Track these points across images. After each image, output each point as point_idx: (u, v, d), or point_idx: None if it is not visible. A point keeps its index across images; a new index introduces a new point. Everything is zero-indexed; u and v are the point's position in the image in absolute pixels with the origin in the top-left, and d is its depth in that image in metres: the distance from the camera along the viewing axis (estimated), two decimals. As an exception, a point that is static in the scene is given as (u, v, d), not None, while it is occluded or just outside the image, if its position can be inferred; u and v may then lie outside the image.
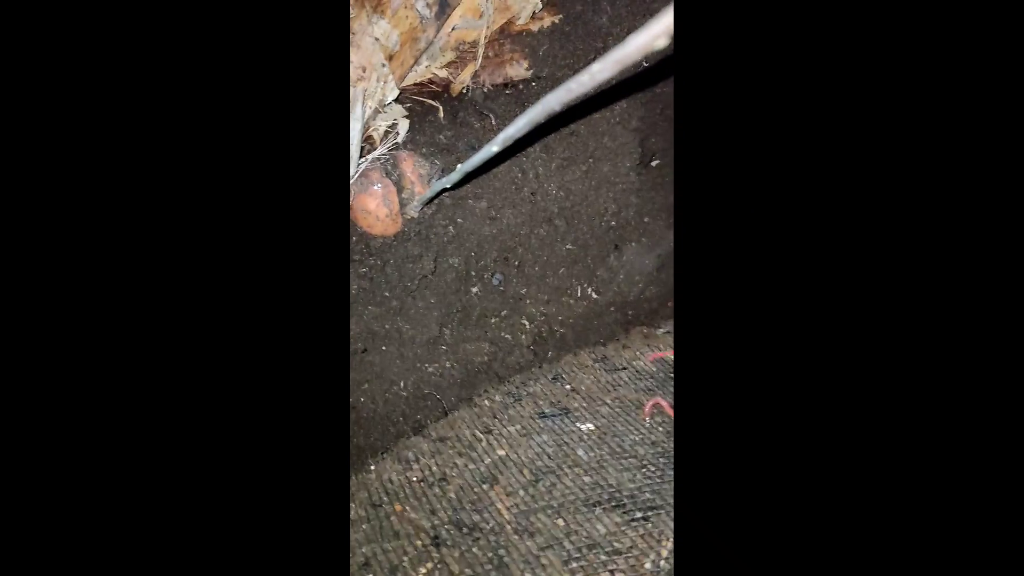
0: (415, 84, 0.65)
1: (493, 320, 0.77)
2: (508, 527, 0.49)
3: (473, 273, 0.75)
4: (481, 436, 0.59)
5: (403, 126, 0.63)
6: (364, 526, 0.52)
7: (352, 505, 0.55)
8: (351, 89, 0.58)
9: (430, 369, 0.73)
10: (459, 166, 0.48)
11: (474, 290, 0.76)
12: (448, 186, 0.53)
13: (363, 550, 0.50)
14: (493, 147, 0.40)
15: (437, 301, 0.73)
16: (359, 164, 0.62)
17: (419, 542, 0.49)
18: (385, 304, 0.71)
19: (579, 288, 0.81)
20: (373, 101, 0.59)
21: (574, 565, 0.44)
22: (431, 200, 0.63)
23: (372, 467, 0.61)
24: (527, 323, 0.78)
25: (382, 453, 0.64)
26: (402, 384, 0.71)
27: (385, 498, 0.55)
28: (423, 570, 0.47)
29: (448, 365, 0.74)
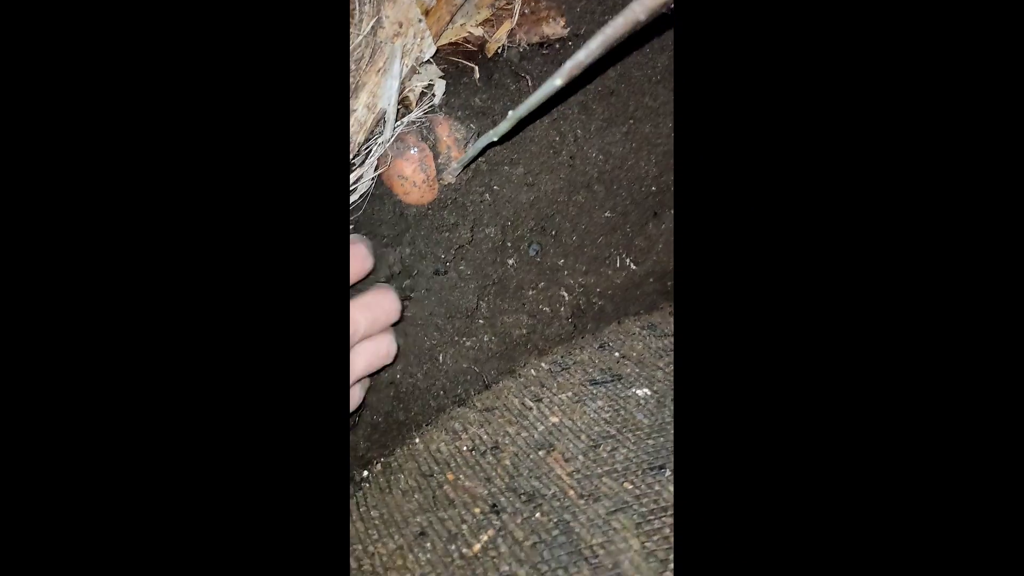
0: (449, 44, 0.63)
1: (530, 292, 0.74)
2: (571, 492, 0.46)
3: (509, 244, 0.73)
4: (531, 404, 0.57)
5: (439, 87, 0.61)
6: (416, 496, 0.50)
7: (401, 476, 0.53)
8: (388, 45, 0.55)
9: (468, 343, 0.71)
10: (510, 113, 0.45)
11: (510, 261, 0.74)
12: (495, 139, 0.51)
13: (418, 519, 0.47)
14: (556, 80, 0.37)
15: (473, 272, 0.71)
16: (395, 127, 0.59)
17: (477, 510, 0.47)
18: (422, 276, 0.69)
19: (617, 258, 0.78)
20: (410, 59, 0.56)
21: (648, 528, 0.42)
22: (475, 159, 0.60)
23: (417, 439, 0.59)
24: (565, 295, 0.76)
25: (426, 425, 0.62)
26: (441, 358, 0.69)
27: (436, 468, 0.52)
28: (484, 537, 0.45)
29: (486, 339, 0.72)
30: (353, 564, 0.45)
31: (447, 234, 0.69)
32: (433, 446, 0.55)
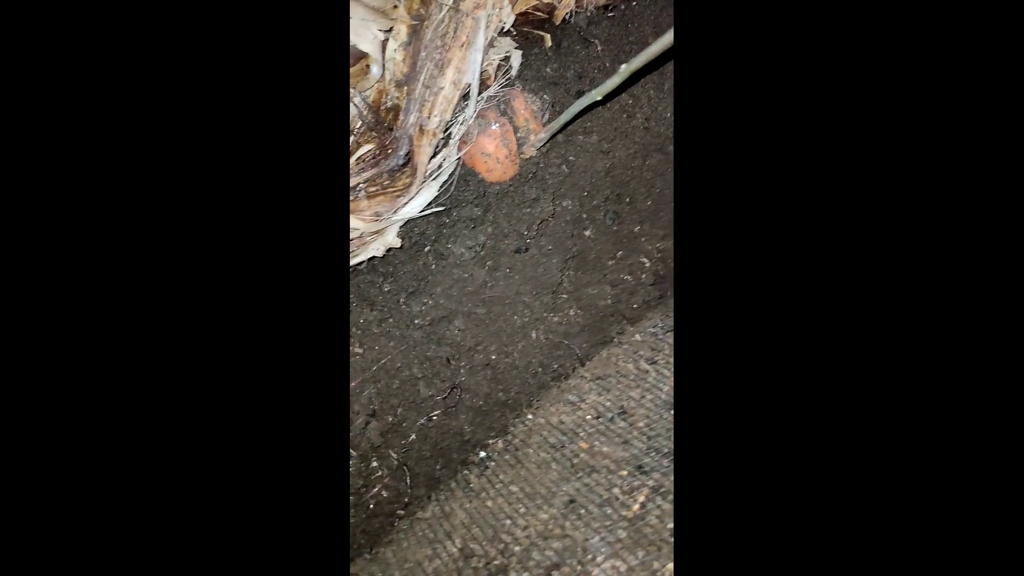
0: (519, 14, 0.62)
1: (610, 262, 0.74)
2: (717, 446, 0.46)
3: (585, 215, 0.72)
4: (647, 367, 0.56)
5: (516, 58, 0.60)
6: (554, 466, 0.49)
7: (529, 450, 0.53)
8: (471, 18, 0.54)
9: (555, 318, 0.70)
10: (622, 67, 0.44)
11: (587, 233, 0.73)
12: (599, 99, 0.50)
13: (564, 488, 0.47)
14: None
15: (554, 247, 0.70)
16: (477, 102, 0.59)
17: (623, 472, 0.46)
18: (504, 255, 0.68)
19: (691, 220, 0.77)
20: (492, 29, 0.56)
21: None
22: (570, 123, 0.59)
23: (530, 415, 0.58)
24: (646, 261, 0.75)
25: (536, 401, 0.61)
26: (533, 335, 0.68)
27: (564, 438, 0.52)
28: (640, 497, 0.44)
29: (572, 312, 0.71)
30: (506, 538, 0.45)
31: (528, 209, 0.68)
32: (554, 419, 0.54)
